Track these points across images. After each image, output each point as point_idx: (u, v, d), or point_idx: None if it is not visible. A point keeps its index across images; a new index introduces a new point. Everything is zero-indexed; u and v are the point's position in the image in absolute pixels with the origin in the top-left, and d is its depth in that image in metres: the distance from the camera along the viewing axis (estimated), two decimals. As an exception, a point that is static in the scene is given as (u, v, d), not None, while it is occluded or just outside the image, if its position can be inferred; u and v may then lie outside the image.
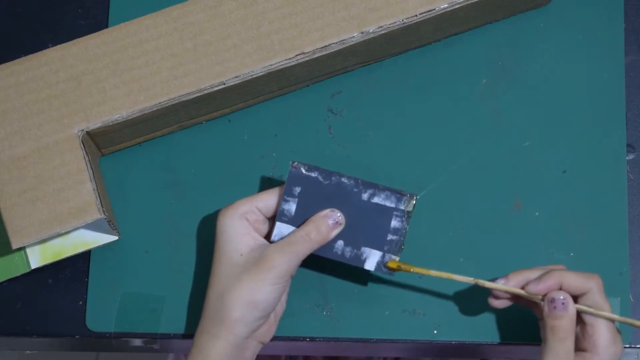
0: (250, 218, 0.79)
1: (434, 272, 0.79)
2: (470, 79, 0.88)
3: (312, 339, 0.85)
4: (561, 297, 0.76)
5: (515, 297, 0.79)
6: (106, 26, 0.91)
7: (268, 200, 0.80)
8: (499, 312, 0.84)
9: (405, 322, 0.84)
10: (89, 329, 0.86)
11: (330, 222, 0.79)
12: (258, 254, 0.77)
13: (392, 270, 0.79)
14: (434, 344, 0.85)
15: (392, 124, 0.88)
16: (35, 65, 0.83)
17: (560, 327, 0.76)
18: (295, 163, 0.79)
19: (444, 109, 0.88)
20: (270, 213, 0.80)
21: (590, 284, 0.76)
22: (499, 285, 0.78)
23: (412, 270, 0.79)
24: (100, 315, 0.86)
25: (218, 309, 0.77)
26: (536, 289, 0.77)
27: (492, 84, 0.88)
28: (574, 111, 0.87)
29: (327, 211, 0.79)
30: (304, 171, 0.79)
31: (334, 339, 0.85)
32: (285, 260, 0.77)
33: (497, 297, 0.79)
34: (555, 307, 0.76)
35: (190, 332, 0.85)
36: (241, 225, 0.79)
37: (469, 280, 0.78)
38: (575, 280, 0.76)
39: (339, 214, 0.79)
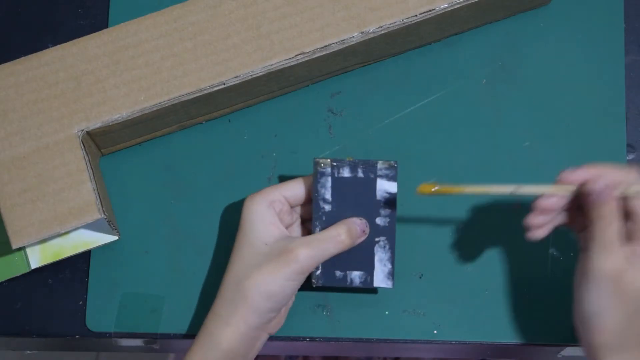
0: (277, 207, 0.79)
1: (469, 189, 0.75)
2: (470, 79, 0.88)
3: (312, 339, 0.85)
4: (602, 183, 0.72)
5: (558, 218, 0.75)
6: (106, 26, 0.91)
7: (295, 189, 0.80)
8: (498, 312, 0.84)
9: (405, 322, 0.84)
10: (89, 329, 0.86)
11: (359, 229, 0.79)
12: (282, 246, 0.77)
13: (426, 194, 0.76)
14: (434, 344, 0.85)
15: (392, 124, 0.88)
16: (35, 65, 0.83)
17: (604, 213, 0.72)
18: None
19: (444, 109, 0.88)
20: (297, 202, 0.80)
21: (631, 176, 0.73)
22: (541, 188, 0.74)
23: (449, 191, 0.75)
24: (100, 315, 0.86)
25: (234, 295, 0.77)
26: (571, 177, 0.73)
27: (492, 84, 0.88)
28: (574, 111, 0.87)
29: (355, 218, 0.79)
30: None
31: (334, 339, 0.85)
32: (309, 256, 0.76)
33: (536, 226, 0.75)
34: (597, 194, 0.72)
35: (190, 332, 0.85)
36: (268, 214, 0.79)
37: (505, 190, 0.74)
38: (614, 173, 0.73)
39: (365, 223, 0.79)
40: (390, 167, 0.79)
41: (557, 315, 0.83)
